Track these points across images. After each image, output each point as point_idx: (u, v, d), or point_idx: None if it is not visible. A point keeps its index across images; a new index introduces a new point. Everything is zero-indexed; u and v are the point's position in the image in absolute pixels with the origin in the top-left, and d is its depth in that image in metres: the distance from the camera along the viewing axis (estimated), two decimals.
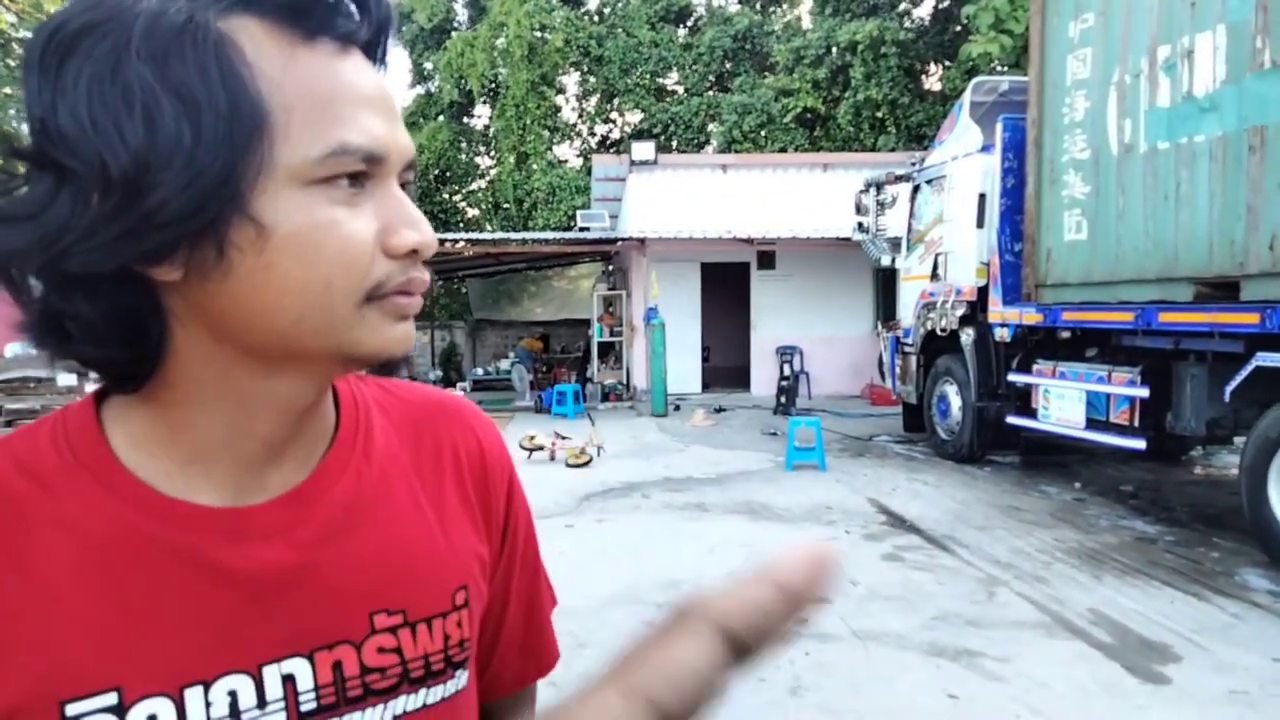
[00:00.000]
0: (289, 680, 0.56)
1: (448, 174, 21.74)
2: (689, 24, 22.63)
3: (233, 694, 0.54)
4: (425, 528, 0.64)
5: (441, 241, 15.12)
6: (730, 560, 5.32)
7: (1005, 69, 13.93)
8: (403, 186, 0.56)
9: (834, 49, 18.67)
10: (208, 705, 0.53)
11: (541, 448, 8.91)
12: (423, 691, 0.61)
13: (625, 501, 7.08)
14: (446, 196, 21.92)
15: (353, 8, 0.52)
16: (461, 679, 0.64)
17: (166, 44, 0.47)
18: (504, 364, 17.61)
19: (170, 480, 0.55)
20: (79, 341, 0.52)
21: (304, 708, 0.56)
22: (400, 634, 0.60)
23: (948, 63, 17.91)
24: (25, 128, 0.50)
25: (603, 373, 15.19)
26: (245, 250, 0.49)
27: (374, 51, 0.55)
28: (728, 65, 21.62)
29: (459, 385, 16.41)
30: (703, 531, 6.04)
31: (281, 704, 0.55)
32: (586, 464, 8.51)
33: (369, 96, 0.53)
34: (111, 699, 0.51)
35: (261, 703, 0.55)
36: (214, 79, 0.47)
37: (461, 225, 21.98)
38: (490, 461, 0.71)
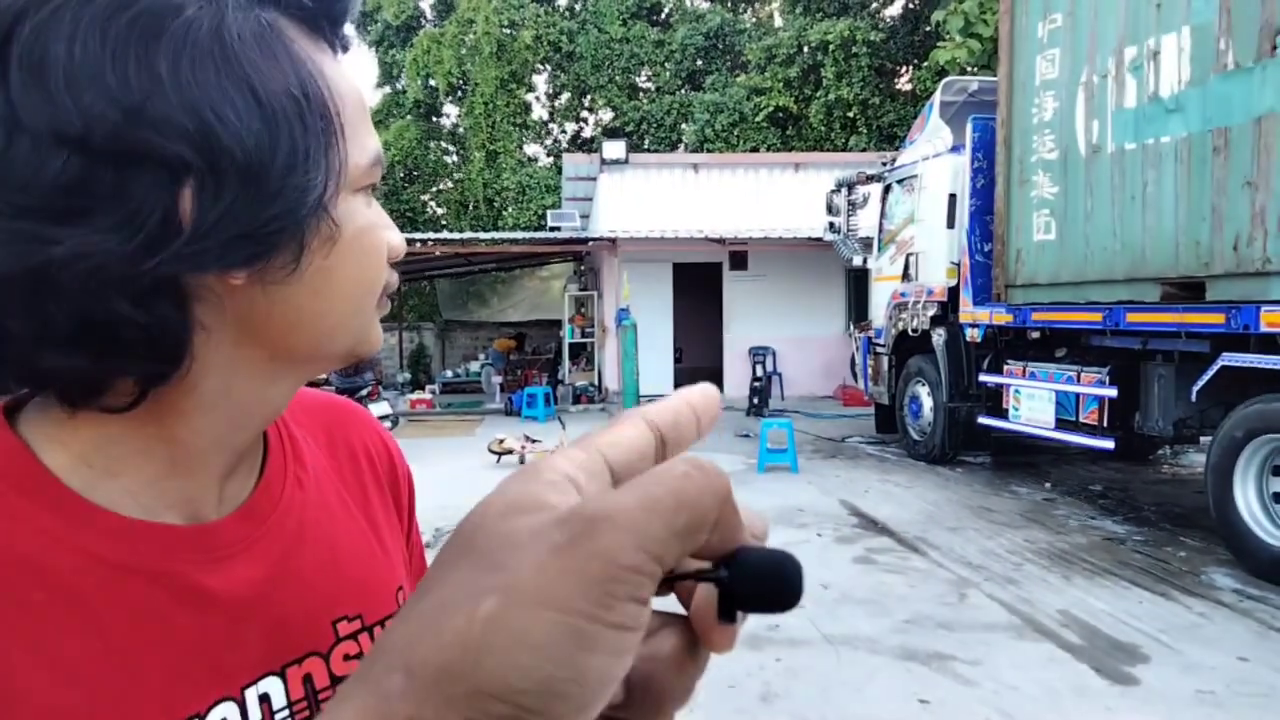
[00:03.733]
0: (264, 700, 0.53)
1: (415, 173, 21.53)
2: (661, 21, 22.58)
3: None
4: (361, 531, 0.64)
5: (410, 241, 15.09)
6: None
7: (975, 71, 14.03)
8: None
9: (805, 48, 18.73)
10: None
11: (511, 451, 8.81)
12: None
13: None
14: (414, 195, 21.68)
15: (341, 12, 0.52)
16: None
17: (256, 37, 0.45)
18: (474, 366, 17.46)
19: (134, 500, 0.49)
20: (109, 355, 0.44)
21: None
22: (361, 639, 0.59)
23: (918, 63, 18.02)
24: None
25: (574, 374, 15.09)
26: (316, 252, 0.48)
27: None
28: (700, 63, 21.61)
29: (428, 388, 16.22)
30: None
31: None
32: None
33: (366, 105, 0.53)
34: None
35: None
36: (306, 77, 0.46)
37: (429, 225, 21.76)
38: (397, 461, 0.72)
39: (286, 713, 0.54)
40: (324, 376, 9.00)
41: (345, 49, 0.53)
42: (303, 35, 0.49)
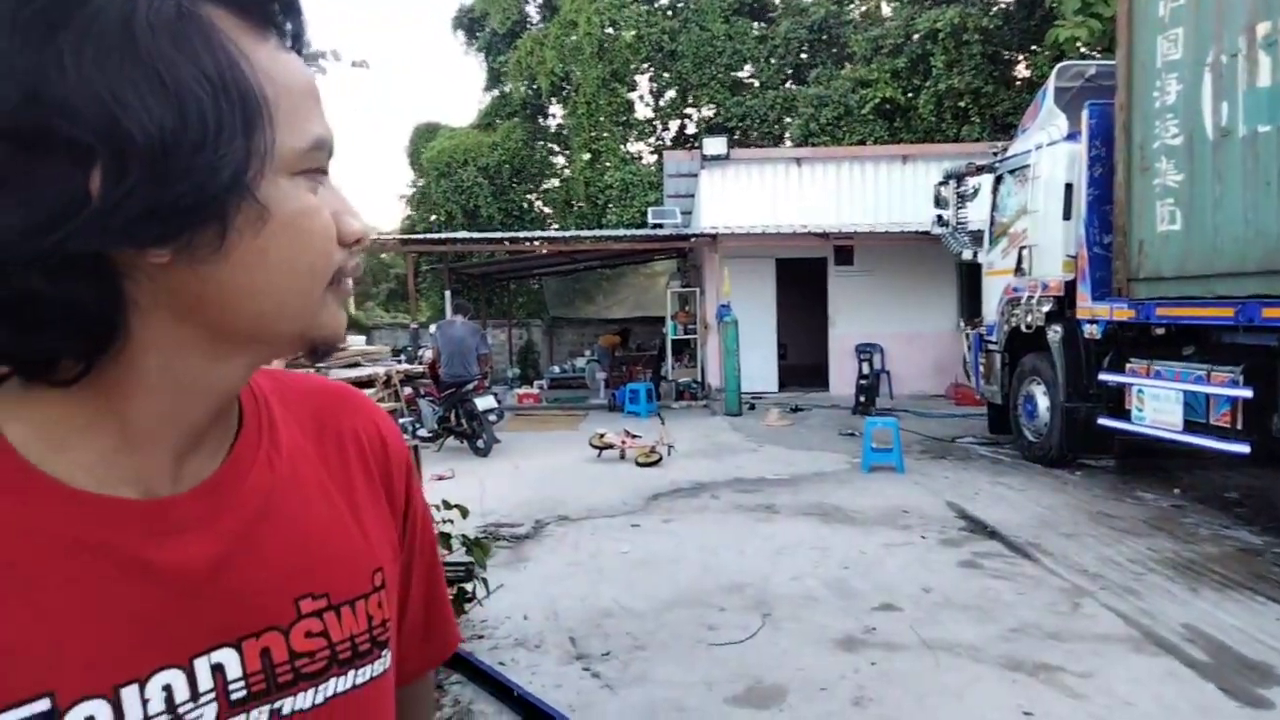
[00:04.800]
0: (218, 670, 0.55)
1: (521, 173, 21.96)
2: (764, 16, 22.32)
3: (168, 688, 0.53)
4: (338, 512, 0.65)
5: (515, 240, 15.51)
6: (798, 563, 5.20)
7: (1095, 54, 13.30)
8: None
9: (914, 37, 18.16)
10: (144, 702, 0.52)
11: (611, 446, 8.90)
12: (351, 673, 0.62)
13: (693, 501, 7.01)
14: (520, 194, 22.14)
15: (286, 5, 0.54)
16: (386, 659, 0.66)
17: (173, 26, 0.47)
18: (579, 362, 17.75)
19: (88, 473, 0.53)
20: (32, 331, 0.48)
21: (234, 696, 0.56)
22: (326, 617, 0.61)
23: (1034, 48, 17.20)
24: None
25: (677, 370, 15.12)
26: (244, 233, 0.50)
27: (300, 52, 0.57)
28: (803, 57, 21.24)
29: (535, 383, 16.59)
30: (772, 533, 5.92)
31: (212, 695, 0.55)
32: (656, 463, 8.47)
33: (316, 92, 0.55)
34: (44, 705, 0.49)
35: (194, 695, 0.54)
36: (224, 63, 0.48)
37: (535, 223, 22.19)
38: (390, 447, 0.73)
39: (242, 683, 0.57)
40: (442, 369, 9.32)
41: (295, 39, 0.55)
42: (238, 26, 0.51)
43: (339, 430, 0.69)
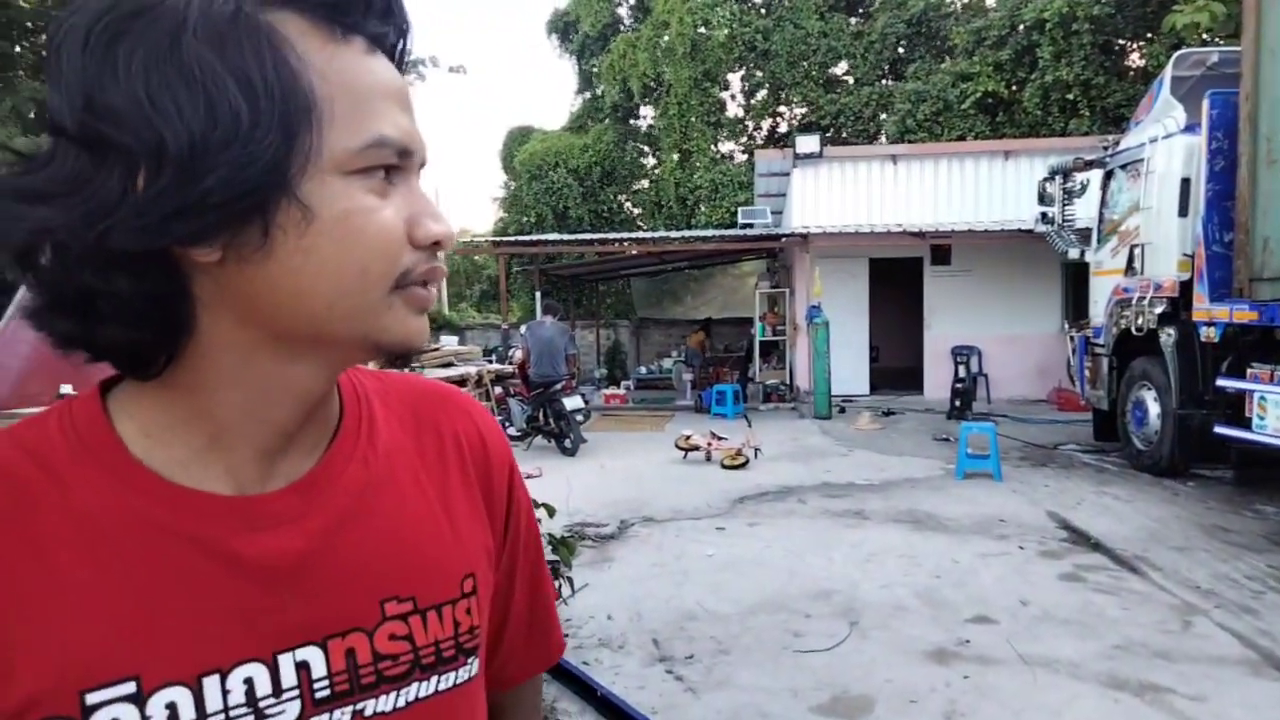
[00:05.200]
0: (303, 668, 0.56)
1: (611, 174, 22.10)
2: (860, 12, 21.87)
3: (249, 682, 0.54)
4: (432, 516, 0.65)
5: (605, 241, 15.62)
6: (888, 571, 5.07)
7: (1217, 40, 12.53)
8: None
9: (1019, 28, 17.48)
10: (225, 693, 0.53)
11: (697, 448, 8.86)
12: (435, 678, 0.62)
13: (780, 505, 6.91)
14: (611, 196, 22.29)
15: (381, 11, 0.55)
16: (473, 666, 0.66)
17: (222, 30, 0.49)
18: (666, 363, 17.76)
19: (183, 469, 0.56)
20: (107, 322, 0.51)
21: (318, 695, 0.57)
22: (411, 621, 0.61)
23: (1150, 36, 16.33)
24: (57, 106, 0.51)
25: (765, 372, 14.97)
26: (289, 233, 0.51)
27: (397, 57, 0.57)
28: (901, 51, 20.71)
29: (622, 383, 16.69)
30: (860, 540, 5.78)
31: (296, 692, 0.56)
32: (743, 466, 8.39)
33: (398, 93, 0.55)
34: (130, 688, 0.51)
35: (277, 691, 0.55)
36: (269, 66, 0.50)
37: (625, 225, 22.31)
38: (491, 449, 0.72)
39: (326, 682, 0.57)
40: (532, 369, 9.44)
41: (377, 40, 0.55)
42: (306, 29, 0.52)
43: (439, 431, 0.69)
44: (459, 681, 0.63)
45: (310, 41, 0.52)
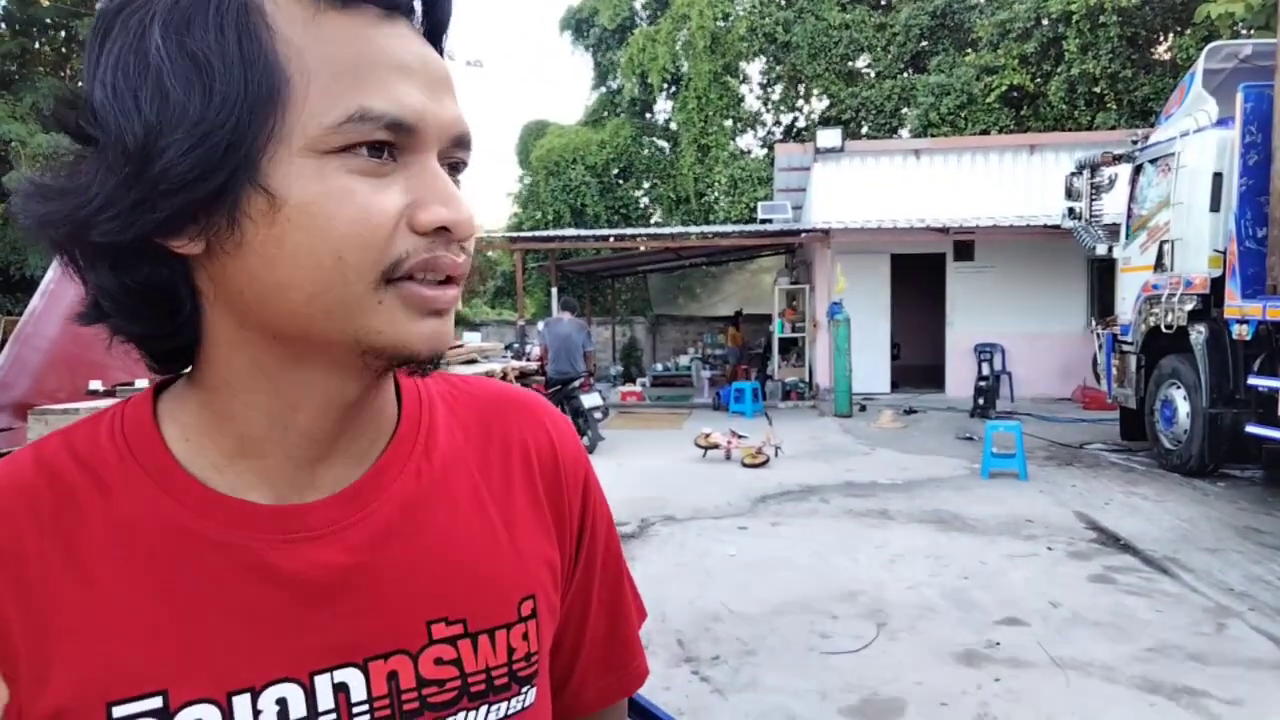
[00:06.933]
0: (341, 690, 0.53)
1: (628, 170, 22.04)
2: (883, 3, 21.67)
3: (282, 702, 0.51)
4: (490, 532, 0.60)
5: (622, 237, 15.56)
6: (914, 572, 5.01)
7: (1249, 32, 12.32)
8: (455, 166, 0.53)
9: (1045, 20, 17.27)
10: (256, 713, 0.50)
11: (716, 446, 8.81)
12: (484, 708, 0.57)
13: (802, 505, 6.85)
14: (628, 191, 22.23)
15: None
16: (529, 696, 0.60)
17: (190, 10, 0.47)
18: (683, 359, 17.70)
19: (221, 475, 0.54)
20: (113, 315, 0.52)
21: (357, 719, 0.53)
22: (460, 645, 0.57)
23: (1180, 29, 16.08)
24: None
25: (784, 370, 14.88)
26: (257, 221, 0.47)
27: (434, 31, 0.54)
28: (924, 44, 20.51)
29: (638, 380, 16.64)
30: (884, 540, 5.72)
31: (333, 716, 0.52)
32: (763, 464, 8.33)
33: (404, 64, 0.49)
34: (157, 703, 0.49)
35: (312, 713, 0.52)
36: (230, 42, 0.46)
37: (641, 220, 22.24)
38: (563, 460, 0.67)
39: (365, 707, 0.53)
40: (549, 366, 9.44)
41: (385, 6, 0.50)
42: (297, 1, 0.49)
43: (506, 440, 0.64)
44: (511, 713, 0.59)
45: (291, 11, 0.48)
